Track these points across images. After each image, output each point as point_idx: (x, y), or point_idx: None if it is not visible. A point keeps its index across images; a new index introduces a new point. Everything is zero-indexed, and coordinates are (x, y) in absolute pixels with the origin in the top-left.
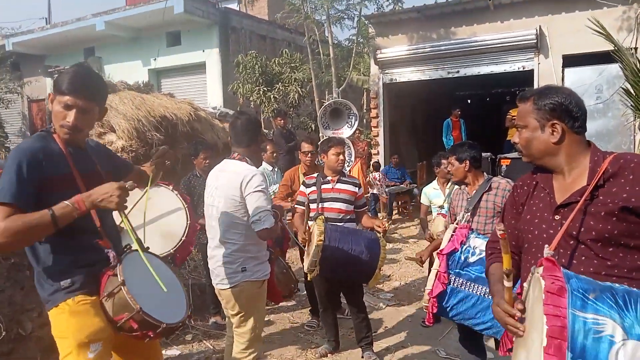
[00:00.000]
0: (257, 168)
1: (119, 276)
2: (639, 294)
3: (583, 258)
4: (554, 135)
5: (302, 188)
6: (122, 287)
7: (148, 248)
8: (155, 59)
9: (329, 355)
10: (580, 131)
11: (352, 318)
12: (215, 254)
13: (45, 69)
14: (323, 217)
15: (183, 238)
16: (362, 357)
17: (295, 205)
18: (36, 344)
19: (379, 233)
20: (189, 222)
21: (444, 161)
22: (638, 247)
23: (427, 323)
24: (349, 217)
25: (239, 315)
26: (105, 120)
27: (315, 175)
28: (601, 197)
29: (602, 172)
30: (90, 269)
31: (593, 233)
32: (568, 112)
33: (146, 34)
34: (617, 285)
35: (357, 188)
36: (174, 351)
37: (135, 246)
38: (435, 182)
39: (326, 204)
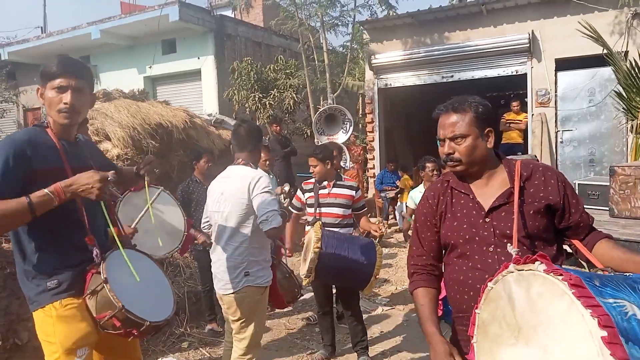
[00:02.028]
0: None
1: (102, 274)
2: (610, 276)
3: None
4: (489, 141)
5: (298, 193)
6: (104, 285)
7: (135, 246)
8: (150, 67)
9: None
10: None
11: (347, 322)
12: (220, 259)
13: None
14: (320, 223)
15: (185, 232)
16: None
17: (290, 209)
18: (33, 353)
19: (376, 238)
20: (185, 217)
21: (428, 165)
22: (551, 239)
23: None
24: (346, 221)
25: (240, 321)
26: (100, 128)
27: (313, 180)
28: (524, 198)
29: (519, 175)
30: (77, 268)
31: (525, 231)
32: (495, 119)
33: (141, 41)
34: (590, 272)
35: (354, 191)
36: (170, 359)
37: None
38: (421, 185)
39: (323, 209)
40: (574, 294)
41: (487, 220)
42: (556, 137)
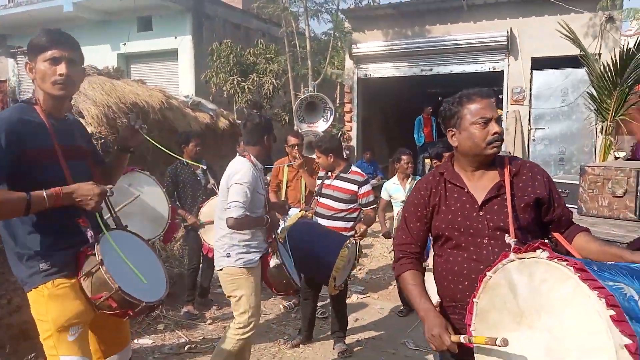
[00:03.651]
0: (262, 165)
1: (97, 255)
2: (605, 263)
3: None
4: None
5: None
6: (100, 267)
7: (126, 226)
8: (125, 44)
9: (301, 345)
10: None
11: (332, 312)
12: (215, 239)
13: (7, 50)
14: (302, 213)
15: (169, 221)
16: (334, 348)
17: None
18: (5, 331)
19: (354, 239)
20: (169, 205)
21: (404, 157)
22: (537, 232)
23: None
24: (342, 215)
25: (231, 299)
26: (73, 105)
27: None
28: (514, 192)
29: (509, 169)
30: (70, 250)
31: (517, 223)
32: None
33: (116, 17)
34: (585, 259)
35: (356, 186)
36: (146, 340)
37: (117, 225)
38: (395, 177)
39: (321, 199)
40: (579, 277)
41: (481, 213)
42: (529, 134)
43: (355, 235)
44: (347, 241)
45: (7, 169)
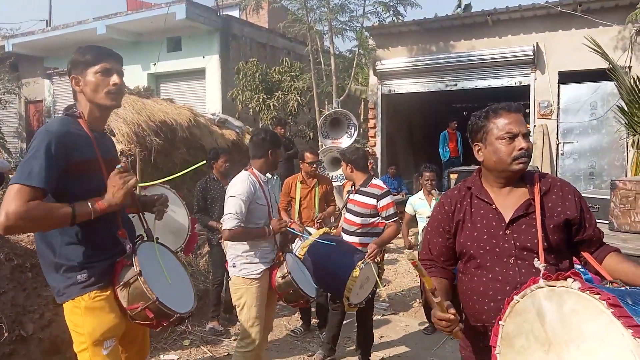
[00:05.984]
0: (265, 177)
1: (135, 267)
2: (636, 291)
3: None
4: None
5: None
6: (138, 278)
7: (157, 239)
8: (155, 64)
9: None
10: None
11: (358, 328)
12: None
13: (43, 71)
14: (326, 229)
15: (189, 232)
16: None
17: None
18: (37, 345)
19: (368, 260)
20: (190, 216)
21: (426, 173)
22: (566, 252)
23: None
24: (366, 230)
25: (236, 307)
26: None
27: None
28: (544, 212)
29: (538, 187)
30: (107, 261)
31: (545, 244)
32: None
33: (147, 38)
34: (620, 288)
35: (375, 200)
36: (171, 356)
37: (149, 237)
38: (421, 192)
39: (346, 215)
40: (613, 313)
41: (508, 232)
42: (557, 149)
43: (366, 256)
44: (361, 261)
45: (56, 179)
